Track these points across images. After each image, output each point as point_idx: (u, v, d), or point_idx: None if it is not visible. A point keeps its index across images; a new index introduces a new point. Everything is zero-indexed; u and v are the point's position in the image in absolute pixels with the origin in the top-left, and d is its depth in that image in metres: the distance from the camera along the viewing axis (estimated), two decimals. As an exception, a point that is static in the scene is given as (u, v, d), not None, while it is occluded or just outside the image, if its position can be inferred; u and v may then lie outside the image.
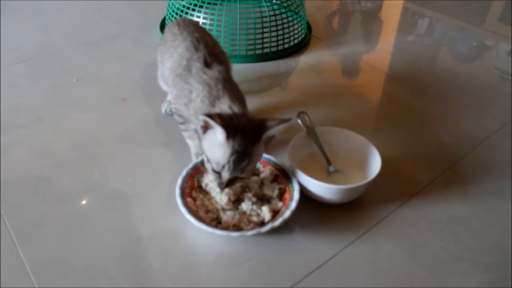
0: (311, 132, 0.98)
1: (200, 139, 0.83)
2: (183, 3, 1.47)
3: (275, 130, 0.81)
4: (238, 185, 0.87)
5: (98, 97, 1.24)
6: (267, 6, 1.41)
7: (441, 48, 1.61)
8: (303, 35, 1.55)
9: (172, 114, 1.00)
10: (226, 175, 0.80)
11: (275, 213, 0.86)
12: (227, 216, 0.84)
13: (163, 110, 1.16)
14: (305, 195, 0.90)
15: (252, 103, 1.19)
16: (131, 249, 0.83)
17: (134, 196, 0.93)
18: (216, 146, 0.79)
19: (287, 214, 0.83)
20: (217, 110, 0.84)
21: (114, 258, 0.81)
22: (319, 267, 0.81)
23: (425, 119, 1.21)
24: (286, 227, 0.86)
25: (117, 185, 0.96)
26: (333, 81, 1.37)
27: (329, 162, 0.96)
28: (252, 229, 0.81)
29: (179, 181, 0.88)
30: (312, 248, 0.84)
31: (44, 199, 0.92)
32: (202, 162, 0.93)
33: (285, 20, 1.45)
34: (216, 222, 0.85)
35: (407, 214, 0.92)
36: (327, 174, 0.95)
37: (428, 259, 0.83)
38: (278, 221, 0.82)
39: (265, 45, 1.43)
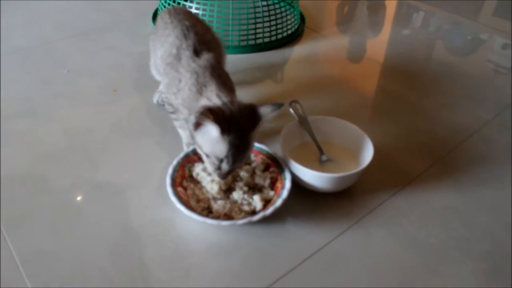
0: (303, 121, 0.97)
1: (192, 134, 0.82)
2: (175, -7, 1.46)
3: (269, 117, 0.80)
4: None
5: (89, 88, 1.23)
6: (260, -4, 1.40)
7: (436, 42, 1.60)
8: (296, 26, 1.54)
9: (163, 104, 0.99)
10: (226, 167, 0.80)
11: (267, 202, 0.85)
12: (218, 205, 0.84)
13: (154, 100, 1.15)
14: (297, 184, 0.90)
15: (245, 94, 1.18)
16: (122, 240, 0.82)
17: (125, 186, 0.92)
18: (212, 142, 0.79)
19: (278, 203, 0.82)
20: (204, 98, 0.83)
21: (104, 249, 0.80)
22: (311, 256, 0.81)
23: (419, 110, 1.20)
24: (278, 216, 0.86)
25: (108, 176, 0.95)
26: (327, 72, 1.36)
27: (321, 151, 0.95)
28: (243, 218, 0.80)
29: (170, 171, 0.88)
30: (304, 237, 0.84)
31: (34, 190, 0.91)
32: (193, 152, 0.92)
33: (278, 11, 1.44)
34: (207, 211, 0.84)
35: (400, 203, 0.92)
36: (319, 163, 0.94)
37: (420, 248, 0.83)
38: (269, 210, 0.81)
39: (258, 35, 1.42)
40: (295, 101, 1.00)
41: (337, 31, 1.61)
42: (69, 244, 0.81)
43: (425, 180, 0.98)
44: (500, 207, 0.92)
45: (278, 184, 0.88)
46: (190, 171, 0.91)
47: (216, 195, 0.85)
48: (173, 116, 0.96)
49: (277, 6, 1.45)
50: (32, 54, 1.37)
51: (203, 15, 1.37)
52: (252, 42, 1.42)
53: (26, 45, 1.42)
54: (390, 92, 1.29)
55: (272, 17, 1.43)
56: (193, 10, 1.38)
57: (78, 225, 0.84)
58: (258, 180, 0.89)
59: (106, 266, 0.77)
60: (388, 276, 0.78)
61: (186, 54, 0.91)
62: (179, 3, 1.43)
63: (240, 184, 0.87)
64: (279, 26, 1.45)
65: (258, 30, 1.41)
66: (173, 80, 0.90)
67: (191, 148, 0.93)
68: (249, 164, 0.93)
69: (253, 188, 0.89)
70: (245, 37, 1.40)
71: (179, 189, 0.86)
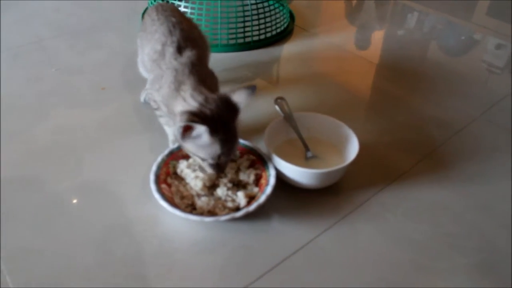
0: (288, 117, 0.97)
1: (181, 144, 0.83)
2: (164, -8, 1.46)
3: (245, 103, 0.81)
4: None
5: (77, 86, 1.22)
6: (249, -6, 1.40)
7: (429, 41, 1.60)
8: (285, 24, 1.54)
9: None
10: (224, 160, 0.82)
11: (251, 199, 0.85)
12: (202, 202, 0.83)
13: (142, 98, 1.15)
14: (283, 181, 0.89)
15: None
16: (106, 237, 0.81)
17: (110, 184, 0.92)
18: (205, 146, 0.80)
19: (262, 199, 0.82)
20: (180, 98, 0.83)
21: (88, 246, 0.79)
22: (296, 252, 0.80)
23: (407, 106, 1.20)
24: (263, 213, 0.86)
25: (93, 173, 0.95)
26: (316, 70, 1.36)
27: (307, 148, 0.95)
28: (226, 214, 0.80)
29: (154, 168, 0.87)
30: (289, 233, 0.83)
31: (18, 186, 0.91)
32: (178, 148, 0.92)
33: (267, 9, 1.44)
34: (191, 208, 0.84)
35: (386, 199, 0.92)
36: (304, 159, 0.94)
37: (407, 243, 0.83)
38: (252, 206, 0.81)
39: (247, 34, 1.42)
40: (280, 98, 1.00)
41: (327, 29, 1.61)
42: (52, 242, 0.80)
43: (412, 176, 0.97)
44: (487, 203, 0.92)
45: (263, 181, 0.87)
46: (175, 168, 0.90)
47: (200, 192, 0.85)
48: (158, 112, 0.95)
49: (266, 4, 1.44)
50: (21, 52, 1.37)
51: (191, 13, 1.37)
52: (241, 41, 1.42)
53: (16, 44, 1.41)
54: (379, 89, 1.29)
55: (261, 16, 1.42)
56: (181, 9, 1.37)
57: (62, 221, 0.84)
58: (243, 176, 0.88)
59: (89, 263, 0.77)
60: (374, 272, 0.78)
61: (170, 51, 0.91)
62: (167, 1, 1.43)
63: (224, 180, 0.86)
64: (268, 24, 1.45)
65: (247, 29, 1.41)
66: (157, 77, 0.90)
67: (176, 144, 0.93)
68: (234, 161, 0.92)
69: (238, 185, 0.88)
70: (233, 36, 1.40)
71: (163, 186, 0.85)
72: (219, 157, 0.81)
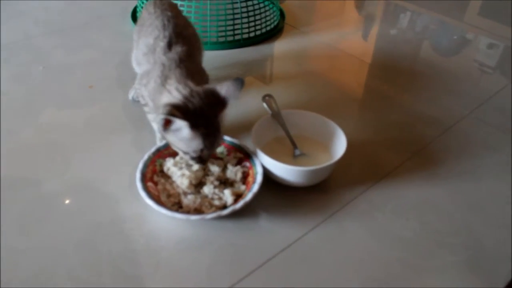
0: (276, 115, 0.96)
1: (163, 136, 0.82)
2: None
3: (234, 97, 0.80)
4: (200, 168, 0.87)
5: (64, 84, 1.21)
6: (238, -8, 1.39)
7: (421, 40, 1.60)
8: (276, 22, 1.53)
9: (138, 100, 0.98)
10: (206, 153, 0.81)
11: (238, 197, 0.84)
12: (188, 200, 0.82)
13: (130, 96, 1.14)
14: (270, 179, 0.89)
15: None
16: (91, 235, 0.80)
17: (96, 182, 0.91)
18: (186, 140, 0.79)
19: (249, 197, 0.81)
20: (166, 91, 0.82)
21: (72, 245, 0.78)
22: (283, 250, 0.80)
23: (397, 104, 1.20)
24: (250, 211, 0.85)
25: (80, 171, 0.94)
26: (306, 68, 1.36)
27: (295, 146, 0.95)
28: (213, 212, 0.79)
29: (140, 166, 0.86)
30: (277, 231, 0.83)
31: (4, 184, 0.89)
32: (165, 146, 0.91)
33: (256, 7, 1.43)
34: (178, 206, 0.83)
35: (374, 197, 0.91)
36: (292, 157, 0.93)
37: (395, 241, 0.82)
38: (239, 204, 0.80)
39: (237, 31, 1.41)
40: (268, 95, 0.99)
41: (318, 28, 1.60)
42: (38, 241, 0.79)
43: (400, 174, 0.97)
44: (476, 200, 0.92)
45: (250, 179, 0.87)
46: (161, 166, 0.90)
47: (186, 190, 0.84)
48: (146, 109, 0.95)
49: (255, 1, 1.44)
50: (8, 50, 1.35)
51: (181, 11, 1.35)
52: (230, 38, 1.41)
53: (4, 41, 1.40)
54: (368, 87, 1.29)
55: (251, 13, 1.42)
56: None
57: (48, 221, 0.83)
58: (230, 174, 0.88)
59: (73, 262, 0.76)
60: (362, 270, 0.77)
61: (160, 45, 0.90)
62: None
63: (211, 178, 0.86)
64: (258, 22, 1.44)
65: (236, 26, 1.40)
66: (145, 72, 0.90)
67: (163, 142, 0.92)
68: (221, 158, 0.91)
69: (225, 183, 0.88)
70: (223, 33, 1.39)
71: (149, 184, 0.84)
72: (201, 150, 0.80)
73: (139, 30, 1.01)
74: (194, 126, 0.76)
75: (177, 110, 0.76)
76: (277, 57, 1.42)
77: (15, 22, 1.53)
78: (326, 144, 0.95)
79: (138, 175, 0.84)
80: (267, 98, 0.99)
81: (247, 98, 1.15)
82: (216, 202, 0.82)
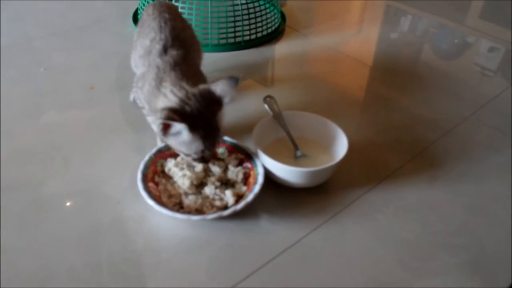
0: (278, 116, 0.96)
1: (162, 139, 0.82)
2: (155, -8, 1.45)
3: (230, 96, 0.80)
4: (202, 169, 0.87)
5: (65, 85, 1.21)
6: (240, -6, 1.40)
7: (422, 43, 1.60)
8: (276, 25, 1.53)
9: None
10: (208, 153, 0.81)
11: (239, 198, 0.84)
12: (189, 200, 0.82)
13: (131, 97, 1.14)
14: (271, 180, 0.89)
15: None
16: (91, 236, 0.80)
17: (97, 183, 0.91)
18: (186, 143, 0.79)
19: (250, 197, 0.81)
20: (161, 95, 0.82)
21: (72, 245, 0.78)
22: (284, 251, 0.79)
23: (398, 107, 1.20)
24: (251, 212, 0.85)
25: (80, 172, 0.94)
26: (307, 70, 1.36)
27: (296, 147, 0.95)
28: (214, 213, 0.79)
29: (141, 166, 0.86)
30: (277, 233, 0.83)
31: (4, 185, 0.89)
32: (166, 147, 0.91)
33: (257, 9, 1.43)
34: (179, 207, 0.83)
35: (375, 199, 0.91)
36: (294, 158, 0.93)
37: (396, 243, 0.82)
38: (240, 205, 0.80)
39: (238, 34, 1.41)
40: (269, 97, 1.00)
41: (319, 30, 1.61)
42: (38, 240, 0.79)
43: (401, 176, 0.97)
44: (476, 202, 0.92)
45: (251, 180, 0.87)
46: (162, 166, 0.90)
47: (187, 190, 0.84)
48: (144, 111, 0.94)
49: (256, 4, 1.44)
50: (10, 52, 1.35)
51: (181, 13, 1.36)
52: (231, 41, 1.41)
53: (5, 43, 1.40)
54: (369, 89, 1.29)
55: (252, 15, 1.42)
56: (172, 8, 1.36)
57: (48, 221, 0.83)
58: (231, 175, 0.88)
59: (73, 262, 0.75)
60: (363, 272, 0.77)
61: (156, 47, 0.90)
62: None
63: (212, 179, 0.86)
64: (259, 24, 1.44)
65: (237, 28, 1.41)
66: (141, 74, 0.90)
67: (164, 143, 0.92)
68: (222, 159, 0.91)
69: (226, 184, 0.88)
70: (224, 35, 1.40)
71: (150, 184, 0.84)
72: (202, 151, 0.80)
73: (138, 32, 1.01)
74: (193, 128, 0.76)
75: (174, 114, 0.76)
76: (278, 59, 1.42)
77: (15, 24, 1.53)
78: (327, 145, 0.95)
79: (139, 176, 0.84)
80: (268, 99, 0.99)
81: (248, 99, 1.15)
82: (217, 203, 0.82)
